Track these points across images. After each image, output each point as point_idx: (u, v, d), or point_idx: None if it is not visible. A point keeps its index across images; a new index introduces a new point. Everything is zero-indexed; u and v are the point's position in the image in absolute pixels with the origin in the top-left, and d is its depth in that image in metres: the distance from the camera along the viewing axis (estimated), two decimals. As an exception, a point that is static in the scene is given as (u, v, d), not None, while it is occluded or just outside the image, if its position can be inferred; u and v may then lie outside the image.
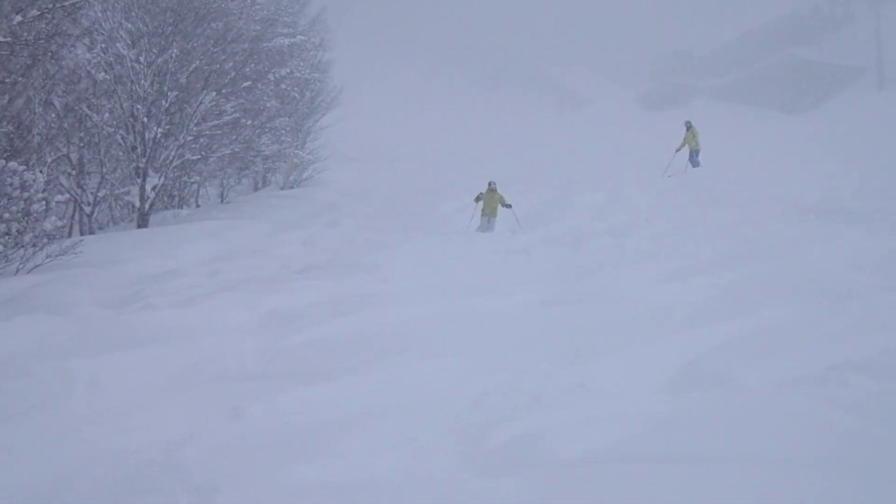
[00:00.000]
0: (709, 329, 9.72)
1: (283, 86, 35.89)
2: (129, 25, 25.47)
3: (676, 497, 5.36)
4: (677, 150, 34.47)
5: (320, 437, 7.14)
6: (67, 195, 26.23)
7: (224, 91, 28.83)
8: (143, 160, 26.15)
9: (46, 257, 18.59)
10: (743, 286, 11.73)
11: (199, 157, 29.13)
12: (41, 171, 19.97)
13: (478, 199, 26.19)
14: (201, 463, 6.76)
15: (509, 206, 25.71)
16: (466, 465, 6.63)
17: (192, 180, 33.05)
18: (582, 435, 6.60)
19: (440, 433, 7.21)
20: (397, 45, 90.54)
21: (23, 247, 18.21)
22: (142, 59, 25.62)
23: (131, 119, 25.93)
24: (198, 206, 35.32)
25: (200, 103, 27.68)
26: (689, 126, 34.62)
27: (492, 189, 25.95)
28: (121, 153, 26.60)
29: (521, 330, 10.52)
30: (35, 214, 18.23)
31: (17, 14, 19.62)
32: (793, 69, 71.39)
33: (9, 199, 17.65)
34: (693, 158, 34.09)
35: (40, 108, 22.38)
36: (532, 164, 43.28)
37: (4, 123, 21.33)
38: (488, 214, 25.76)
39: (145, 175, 26.25)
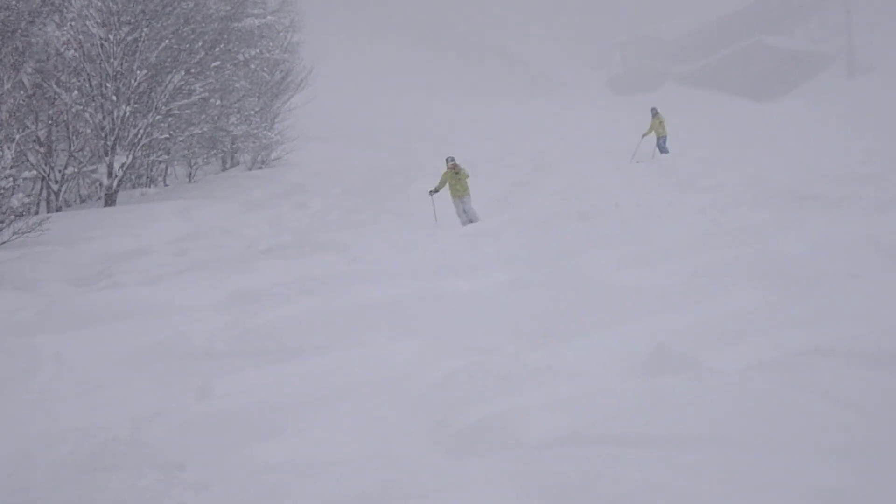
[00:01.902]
0: (677, 313, 9.73)
1: (253, 66, 35.76)
2: (99, 3, 25.29)
3: (645, 479, 5.37)
4: (644, 136, 34.47)
5: (287, 416, 7.13)
6: (35, 172, 26.08)
7: (193, 70, 28.78)
8: (112, 138, 26.02)
9: (13, 234, 18.53)
10: (711, 270, 11.73)
11: (168, 135, 29.07)
12: (9, 148, 19.84)
13: (436, 189, 22.13)
14: (167, 440, 6.75)
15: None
16: (433, 445, 6.62)
17: (160, 159, 32.91)
18: (550, 416, 6.58)
19: (407, 413, 7.19)
20: (373, 25, 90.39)
21: (-10, 223, 18.15)
22: (111, 37, 25.45)
23: (100, 97, 25.79)
24: (166, 185, 35.24)
25: (170, 82, 27.62)
26: (654, 113, 34.55)
27: (453, 166, 21.87)
28: (89, 131, 26.44)
29: (489, 311, 10.51)
30: (2, 191, 18.13)
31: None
32: (763, 56, 71.60)
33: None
34: (661, 145, 34.06)
35: (9, 86, 22.19)
36: (504, 146, 43.23)
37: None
38: (461, 195, 21.75)
39: (113, 153, 26.13)
